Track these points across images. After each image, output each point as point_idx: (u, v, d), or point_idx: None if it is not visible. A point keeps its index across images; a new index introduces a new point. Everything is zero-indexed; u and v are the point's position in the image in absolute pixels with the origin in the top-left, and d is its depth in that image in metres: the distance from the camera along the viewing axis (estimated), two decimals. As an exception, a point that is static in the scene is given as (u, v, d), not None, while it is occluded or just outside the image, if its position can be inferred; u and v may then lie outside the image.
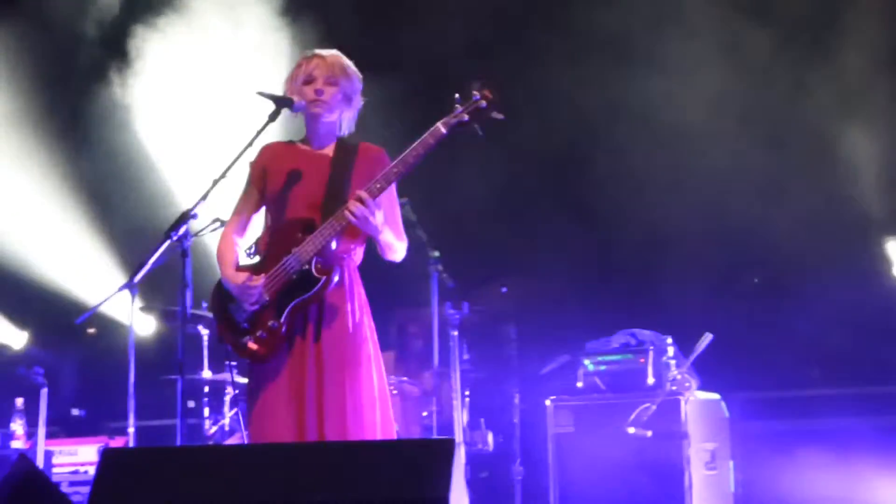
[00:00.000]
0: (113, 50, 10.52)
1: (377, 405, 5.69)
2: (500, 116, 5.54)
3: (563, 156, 9.83)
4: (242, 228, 5.91)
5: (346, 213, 5.45)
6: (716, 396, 8.24)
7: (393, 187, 5.67)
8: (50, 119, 10.72)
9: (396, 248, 5.75)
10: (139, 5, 10.50)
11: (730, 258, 9.47)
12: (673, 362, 8.11)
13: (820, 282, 9.18)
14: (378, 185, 5.48)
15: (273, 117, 5.70)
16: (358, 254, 5.81)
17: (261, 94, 5.75)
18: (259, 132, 5.75)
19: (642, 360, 8.11)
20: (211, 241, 6.74)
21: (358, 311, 5.75)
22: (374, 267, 5.89)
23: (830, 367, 9.07)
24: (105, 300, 7.98)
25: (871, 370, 8.81)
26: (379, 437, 5.66)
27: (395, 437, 6.13)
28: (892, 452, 8.20)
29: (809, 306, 9.13)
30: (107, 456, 5.18)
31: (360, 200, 5.42)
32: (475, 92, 5.54)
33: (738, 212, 9.40)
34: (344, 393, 5.58)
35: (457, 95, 5.57)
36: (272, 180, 5.83)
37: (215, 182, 5.65)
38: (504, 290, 8.77)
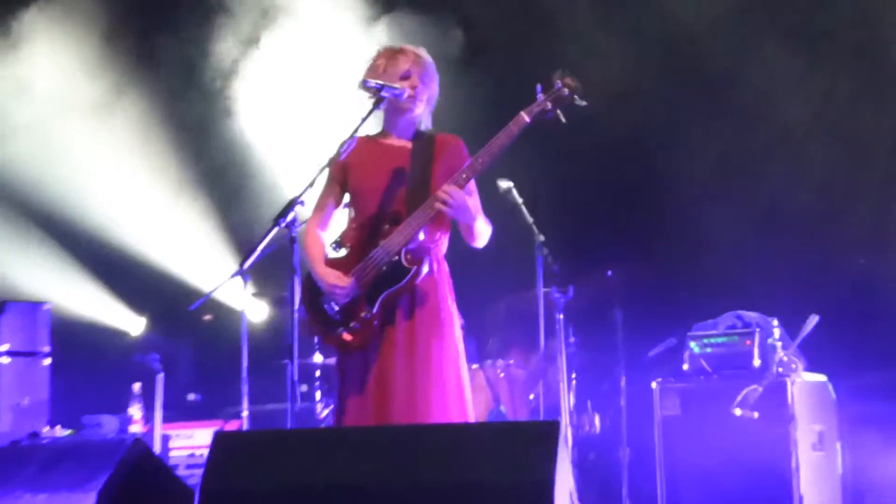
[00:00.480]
0: (224, 57, 10.69)
1: (459, 390, 5.77)
2: (582, 103, 5.61)
3: (652, 140, 9.89)
4: (325, 223, 5.99)
5: (440, 203, 5.51)
6: (822, 378, 8.18)
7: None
8: (169, 118, 10.90)
9: (485, 234, 5.80)
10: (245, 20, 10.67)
11: (835, 236, 9.34)
12: (779, 344, 8.02)
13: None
14: (465, 176, 5.57)
15: (377, 105, 5.76)
16: (444, 242, 5.85)
17: (364, 84, 5.83)
18: (365, 118, 5.79)
19: (748, 343, 8.05)
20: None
21: (447, 298, 5.81)
22: (480, 252, 5.94)
23: None
24: (218, 287, 8.13)
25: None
26: (461, 419, 5.71)
27: (472, 420, 6.10)
28: None
29: None
30: (219, 439, 5.28)
31: (451, 191, 5.50)
32: (557, 80, 5.59)
33: (844, 188, 9.38)
34: (431, 378, 5.66)
35: (539, 86, 5.61)
36: (354, 174, 5.91)
37: (321, 169, 5.71)
38: (609, 273, 8.75)
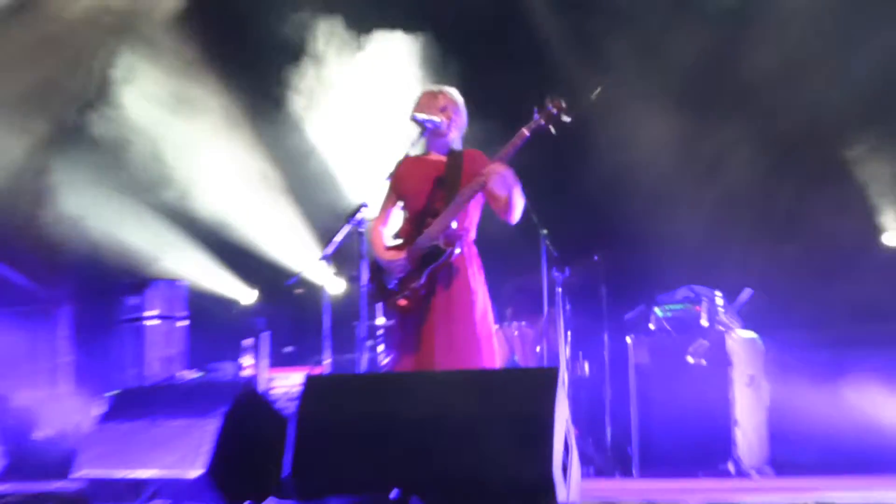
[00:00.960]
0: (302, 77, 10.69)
1: (487, 341, 5.78)
2: (567, 119, 5.61)
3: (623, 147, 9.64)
4: (385, 221, 6.03)
5: (487, 177, 5.57)
6: (754, 335, 8.17)
7: None
8: (271, 143, 10.92)
9: (520, 205, 5.75)
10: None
11: (764, 226, 9.33)
12: (721, 310, 8.08)
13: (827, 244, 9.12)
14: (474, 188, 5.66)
15: (423, 133, 5.87)
16: (472, 231, 5.87)
17: (413, 118, 5.88)
18: (413, 143, 5.95)
19: (698, 308, 8.07)
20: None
21: (477, 273, 5.83)
22: (497, 241, 5.99)
23: (846, 310, 8.89)
24: (307, 268, 8.17)
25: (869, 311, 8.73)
26: (487, 365, 5.72)
27: (496, 365, 6.14)
28: (886, 377, 8.13)
29: (828, 263, 9.03)
30: (308, 380, 5.31)
31: (495, 165, 5.59)
32: (548, 103, 5.62)
33: (770, 186, 9.33)
34: (464, 333, 5.70)
35: (535, 107, 5.64)
36: (405, 184, 5.95)
37: (381, 183, 5.90)
38: (595, 258, 8.76)
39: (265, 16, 10.88)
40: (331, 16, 10.61)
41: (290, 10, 10.75)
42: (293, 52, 10.70)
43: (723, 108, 9.43)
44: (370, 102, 10.02)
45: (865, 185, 9.25)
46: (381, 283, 5.88)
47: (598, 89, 6.82)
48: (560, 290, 7.98)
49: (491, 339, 5.82)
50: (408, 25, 10.33)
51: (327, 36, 10.56)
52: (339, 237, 6.08)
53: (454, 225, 5.70)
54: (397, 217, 6.02)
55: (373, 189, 6.03)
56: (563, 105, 5.62)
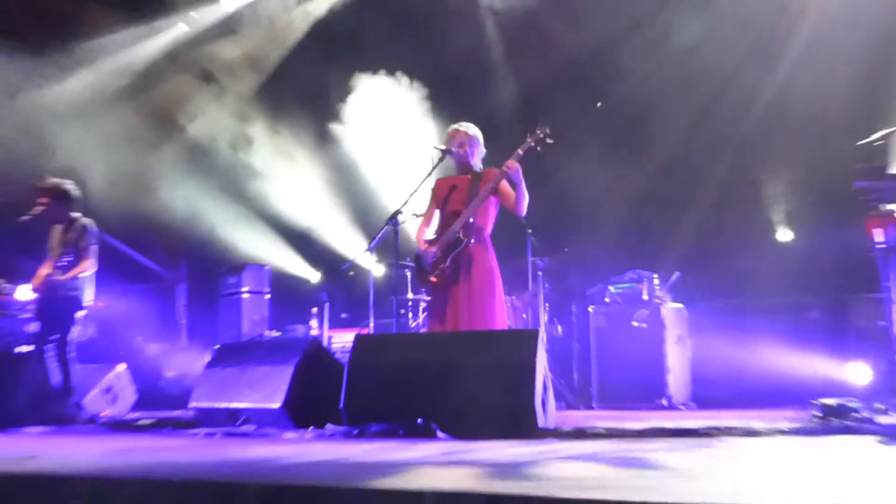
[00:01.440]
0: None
1: (501, 312, 5.78)
2: (551, 141, 5.65)
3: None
4: (427, 223, 6.01)
5: (507, 168, 5.61)
6: (681, 305, 8.11)
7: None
8: (320, 152, 10.91)
9: (526, 199, 5.74)
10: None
11: (689, 220, 9.20)
12: (657, 288, 7.99)
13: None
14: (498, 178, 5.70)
15: (442, 159, 5.93)
16: (488, 227, 5.86)
17: (436, 147, 5.95)
18: (435, 166, 5.98)
19: (640, 286, 8.02)
20: (410, 228, 6.81)
21: (491, 260, 5.81)
22: (497, 238, 5.93)
23: (747, 286, 8.88)
24: (357, 257, 8.19)
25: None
26: (500, 327, 5.73)
27: (507, 328, 6.17)
28: (776, 335, 8.12)
29: (735, 252, 9.03)
30: (358, 337, 5.41)
31: (510, 163, 5.62)
32: (538, 129, 5.67)
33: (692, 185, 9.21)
34: (483, 306, 5.69)
35: (527, 132, 5.68)
36: (440, 197, 5.95)
37: (411, 195, 5.91)
38: (566, 250, 8.75)
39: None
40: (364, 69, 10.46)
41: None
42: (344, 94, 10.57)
43: (649, 146, 9.36)
44: (400, 132, 9.88)
45: (765, 199, 9.25)
46: (420, 267, 5.88)
47: (599, 103, 6.76)
48: (540, 273, 7.96)
49: (503, 308, 5.83)
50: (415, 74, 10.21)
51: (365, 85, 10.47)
52: (379, 234, 6.19)
53: (472, 220, 5.73)
54: (436, 220, 6.01)
55: (405, 199, 6.02)
56: (548, 131, 5.67)
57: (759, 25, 8.92)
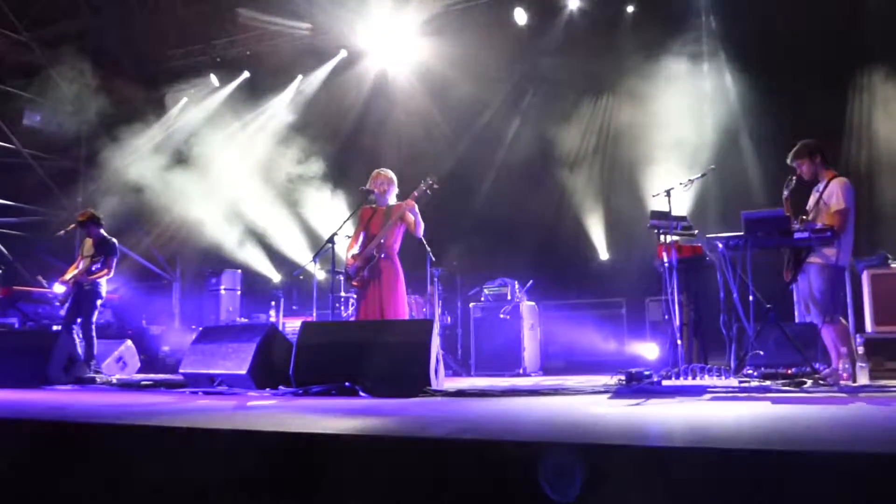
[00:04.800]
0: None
1: (404, 307, 5.73)
2: (437, 187, 5.67)
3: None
4: (355, 241, 5.89)
5: (407, 204, 5.59)
6: (533, 303, 8.17)
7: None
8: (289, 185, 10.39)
9: (421, 226, 5.70)
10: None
11: (541, 239, 9.12)
12: (518, 291, 8.04)
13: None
14: (401, 211, 5.67)
15: (365, 199, 5.84)
16: (396, 246, 5.76)
17: (361, 189, 5.89)
18: (360, 204, 5.87)
19: (505, 289, 8.05)
20: (339, 250, 6.76)
21: (398, 270, 5.75)
22: (404, 254, 5.89)
23: (578, 290, 8.99)
24: (306, 265, 8.01)
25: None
26: (404, 318, 5.69)
27: (410, 318, 6.16)
28: (599, 324, 8.31)
29: (569, 269, 9.11)
30: (304, 324, 5.33)
31: (411, 201, 5.59)
32: (428, 178, 5.69)
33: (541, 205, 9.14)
34: (392, 302, 5.64)
35: (420, 180, 5.68)
36: (363, 223, 5.85)
37: (344, 221, 5.86)
38: (454, 263, 8.78)
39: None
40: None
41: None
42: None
43: (501, 195, 9.29)
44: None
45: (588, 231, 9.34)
46: (347, 274, 5.81)
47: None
48: (436, 278, 7.92)
49: (405, 304, 5.79)
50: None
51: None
52: (321, 248, 6.13)
53: (383, 240, 5.69)
54: (360, 241, 5.92)
55: (340, 224, 5.96)
56: (434, 180, 5.72)
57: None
